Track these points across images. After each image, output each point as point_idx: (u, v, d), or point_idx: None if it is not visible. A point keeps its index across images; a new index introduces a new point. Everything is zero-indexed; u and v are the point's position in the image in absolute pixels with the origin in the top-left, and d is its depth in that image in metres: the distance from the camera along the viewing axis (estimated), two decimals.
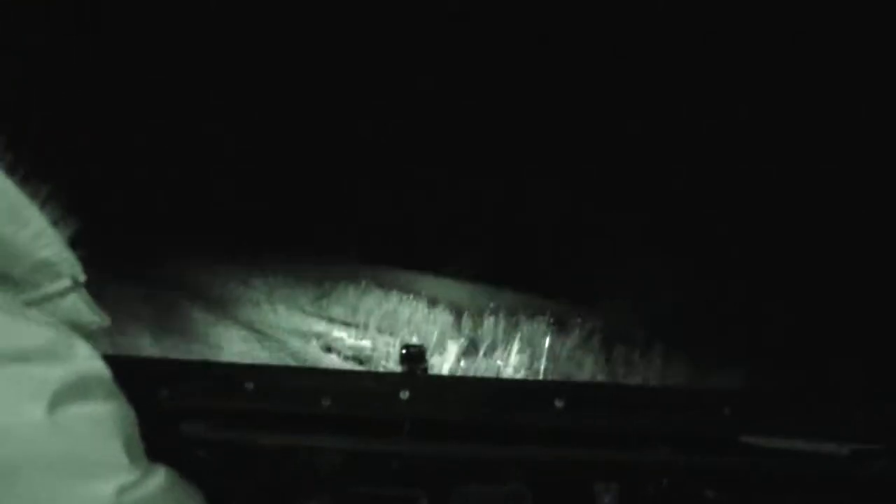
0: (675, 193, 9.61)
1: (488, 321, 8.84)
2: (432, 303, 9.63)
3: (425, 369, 1.37)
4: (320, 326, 9.14)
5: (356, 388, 1.31)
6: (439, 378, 1.44)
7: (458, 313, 9.19)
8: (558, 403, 1.23)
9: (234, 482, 1.21)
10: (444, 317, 9.20)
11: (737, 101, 9.28)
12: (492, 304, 9.15)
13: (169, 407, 1.21)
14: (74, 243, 0.65)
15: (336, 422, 1.27)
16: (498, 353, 8.20)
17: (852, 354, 6.18)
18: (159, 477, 0.63)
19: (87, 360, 0.59)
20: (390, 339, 8.70)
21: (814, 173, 8.44)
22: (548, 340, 8.35)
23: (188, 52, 10.66)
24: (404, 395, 1.24)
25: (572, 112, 10.34)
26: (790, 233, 8.55)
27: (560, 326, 8.77)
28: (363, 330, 9.02)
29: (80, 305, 0.66)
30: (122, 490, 0.57)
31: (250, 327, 8.78)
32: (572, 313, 8.93)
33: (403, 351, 1.37)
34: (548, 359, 8.06)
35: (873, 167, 8.16)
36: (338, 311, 9.87)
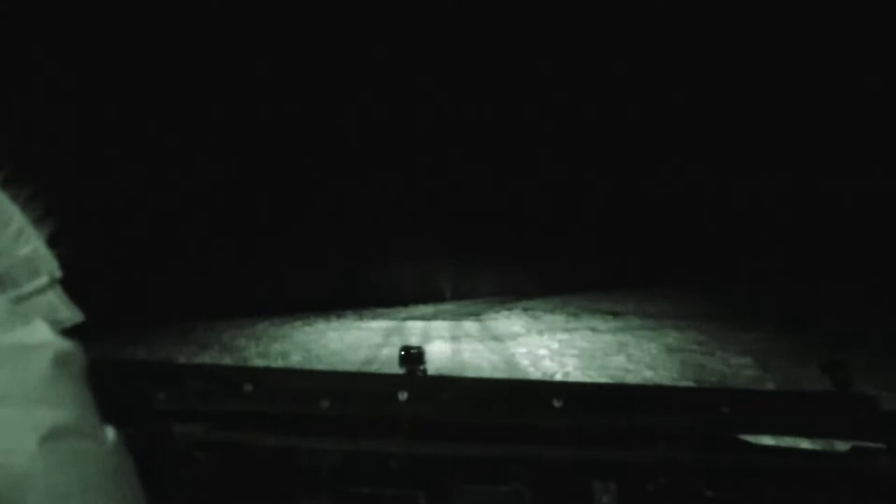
0: None
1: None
2: None
3: (424, 370, 1.37)
4: None
5: (354, 389, 1.31)
6: (437, 379, 1.44)
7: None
8: (557, 403, 1.23)
9: (233, 484, 1.21)
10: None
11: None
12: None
13: (167, 409, 1.21)
14: (53, 242, 0.67)
15: (335, 423, 1.27)
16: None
17: None
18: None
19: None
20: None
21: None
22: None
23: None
24: (402, 395, 1.24)
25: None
26: None
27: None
28: None
29: (56, 303, 0.68)
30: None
31: None
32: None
33: (402, 352, 1.37)
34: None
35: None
36: None
